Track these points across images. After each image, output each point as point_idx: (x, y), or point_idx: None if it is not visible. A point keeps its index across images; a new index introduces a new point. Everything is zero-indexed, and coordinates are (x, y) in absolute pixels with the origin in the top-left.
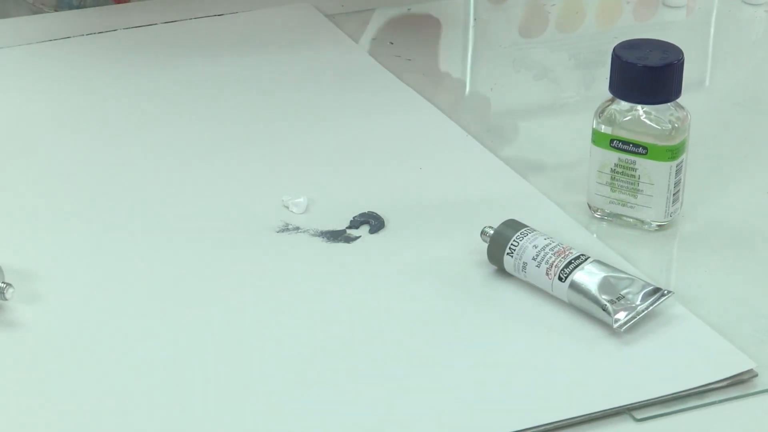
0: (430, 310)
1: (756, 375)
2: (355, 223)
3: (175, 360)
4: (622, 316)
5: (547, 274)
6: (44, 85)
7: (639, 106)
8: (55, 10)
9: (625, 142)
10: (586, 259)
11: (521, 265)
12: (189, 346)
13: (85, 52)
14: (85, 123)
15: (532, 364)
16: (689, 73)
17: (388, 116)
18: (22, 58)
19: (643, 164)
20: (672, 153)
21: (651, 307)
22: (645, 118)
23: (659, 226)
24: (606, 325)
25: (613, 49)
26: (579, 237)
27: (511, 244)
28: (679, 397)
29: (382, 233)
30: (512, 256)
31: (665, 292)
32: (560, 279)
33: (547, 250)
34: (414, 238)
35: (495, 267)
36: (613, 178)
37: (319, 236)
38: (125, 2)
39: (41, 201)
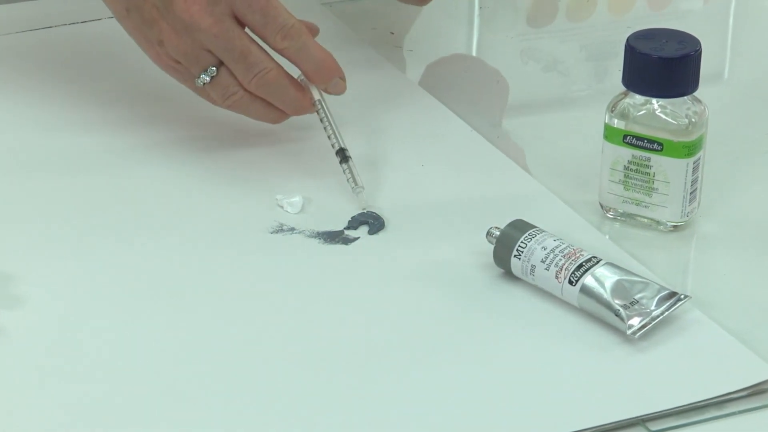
0: (433, 315)
1: None
2: (354, 224)
3: (163, 366)
4: (635, 321)
5: (557, 277)
6: (24, 78)
7: (654, 100)
8: None
9: (640, 138)
10: (597, 262)
11: (529, 267)
12: (178, 352)
13: (68, 43)
14: (68, 118)
15: (540, 372)
16: (707, 65)
17: (388, 110)
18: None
19: (658, 161)
20: (689, 149)
21: (666, 313)
22: (660, 112)
23: (675, 226)
24: (619, 332)
25: (627, 40)
26: (590, 238)
27: (519, 246)
28: (696, 407)
29: (381, 234)
30: (520, 259)
31: (681, 296)
32: (570, 283)
33: (556, 252)
34: (416, 240)
35: (502, 270)
36: (626, 176)
37: (315, 237)
38: None
39: (21, 200)
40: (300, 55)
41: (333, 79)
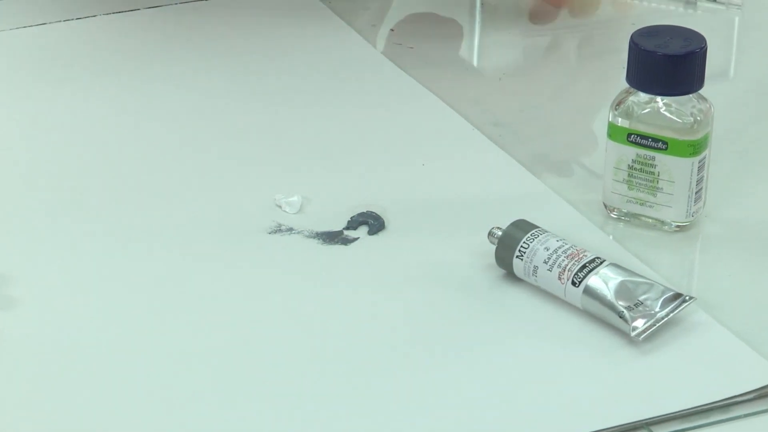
0: (433, 317)
1: None
2: (353, 224)
3: (159, 367)
4: (640, 323)
5: (560, 278)
6: (17, 75)
7: (658, 98)
8: None
9: (644, 137)
10: (601, 263)
11: (532, 268)
12: (174, 353)
13: (61, 40)
14: (62, 117)
15: (542, 375)
16: (712, 63)
17: (388, 108)
18: None
19: (662, 160)
20: (694, 148)
21: (671, 314)
22: (665, 110)
23: (680, 226)
24: (623, 334)
25: (631, 37)
26: (594, 238)
27: (521, 247)
28: (701, 411)
29: (381, 234)
30: (522, 259)
31: (687, 297)
32: (574, 284)
33: (559, 252)
34: (416, 240)
35: (503, 271)
36: (630, 176)
37: (314, 238)
38: None
39: (16, 200)
40: None
41: None
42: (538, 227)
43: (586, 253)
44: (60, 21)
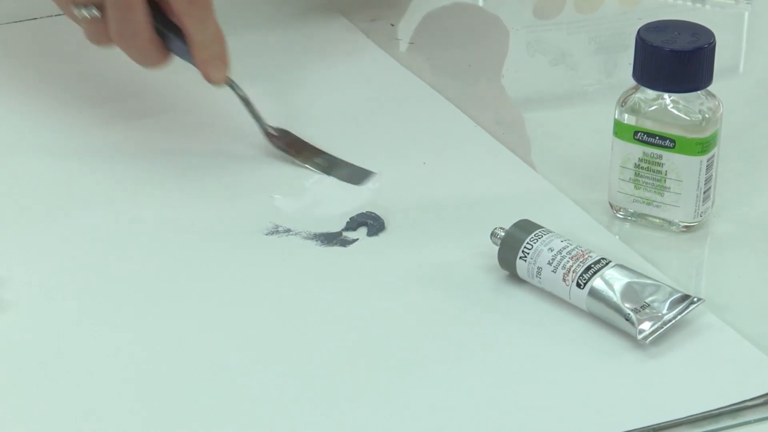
0: (435, 319)
1: None
2: (352, 225)
3: (155, 370)
4: (647, 326)
5: (564, 280)
6: (11, 72)
7: (666, 95)
8: None
9: (651, 135)
10: (607, 264)
11: (535, 270)
12: (170, 356)
13: (55, 36)
14: (56, 115)
15: (546, 378)
16: (721, 58)
17: (388, 105)
18: None
19: (670, 159)
20: (702, 146)
21: (679, 317)
22: (672, 107)
23: (688, 227)
24: (629, 337)
25: (638, 32)
26: (599, 239)
27: (525, 247)
28: (709, 416)
29: (381, 235)
30: (526, 261)
31: (695, 299)
32: (578, 285)
33: (564, 253)
34: (417, 241)
35: (507, 272)
36: (637, 174)
37: (312, 239)
38: None
39: (10, 201)
40: (198, 24)
41: (216, 60)
42: (542, 227)
43: (591, 254)
44: (52, 16)
